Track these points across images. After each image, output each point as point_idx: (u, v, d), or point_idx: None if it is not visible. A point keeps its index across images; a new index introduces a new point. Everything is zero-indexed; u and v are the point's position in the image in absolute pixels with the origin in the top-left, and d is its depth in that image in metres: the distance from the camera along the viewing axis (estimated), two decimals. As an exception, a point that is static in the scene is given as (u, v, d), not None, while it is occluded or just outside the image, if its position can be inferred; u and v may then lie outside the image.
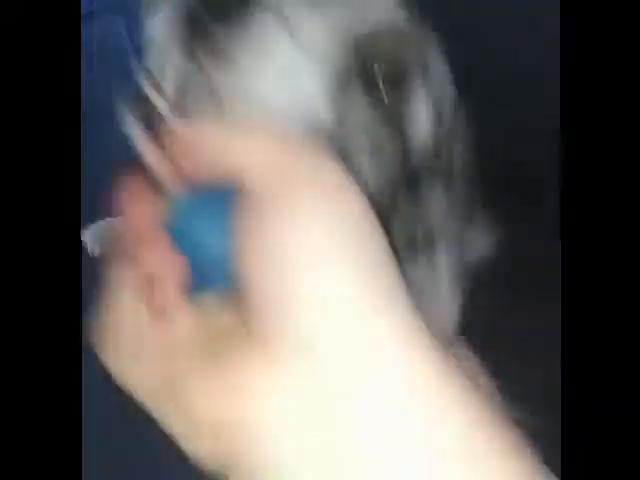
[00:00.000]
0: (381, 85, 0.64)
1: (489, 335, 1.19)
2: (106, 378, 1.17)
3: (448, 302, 0.99)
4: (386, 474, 0.34)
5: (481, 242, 0.95)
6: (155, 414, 0.42)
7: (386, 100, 0.63)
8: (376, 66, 0.65)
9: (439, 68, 0.70)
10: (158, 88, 0.65)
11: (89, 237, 1.49)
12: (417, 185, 0.71)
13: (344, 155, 0.60)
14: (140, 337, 0.46)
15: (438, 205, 0.79)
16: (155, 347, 0.45)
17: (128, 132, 0.65)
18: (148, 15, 0.83)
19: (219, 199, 0.45)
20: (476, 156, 0.93)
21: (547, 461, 0.99)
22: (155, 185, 0.48)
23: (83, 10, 1.94)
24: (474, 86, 0.96)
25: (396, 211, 0.69)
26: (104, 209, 1.41)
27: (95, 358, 1.02)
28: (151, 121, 0.63)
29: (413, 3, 0.78)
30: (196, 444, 0.41)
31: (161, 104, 0.66)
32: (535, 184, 1.42)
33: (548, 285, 0.98)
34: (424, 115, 0.68)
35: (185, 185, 0.48)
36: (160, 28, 0.91)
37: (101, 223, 1.53)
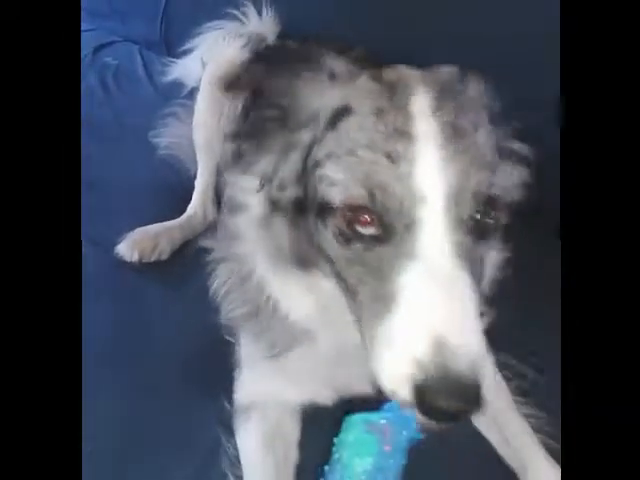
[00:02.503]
0: None
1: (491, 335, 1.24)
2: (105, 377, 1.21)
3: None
4: None
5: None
6: None
7: None
8: None
9: None
10: None
11: (126, 246, 1.56)
12: None
13: None
14: None
15: None
16: None
17: None
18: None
19: None
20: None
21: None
22: None
23: (103, 39, 2.01)
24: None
25: None
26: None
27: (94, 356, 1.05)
28: None
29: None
30: None
31: None
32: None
33: (548, 287, 1.02)
34: None
35: None
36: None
37: (135, 233, 1.61)
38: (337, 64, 0.92)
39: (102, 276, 1.50)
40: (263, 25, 1.94)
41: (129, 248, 1.56)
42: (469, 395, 0.70)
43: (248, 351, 1.17)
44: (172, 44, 2.41)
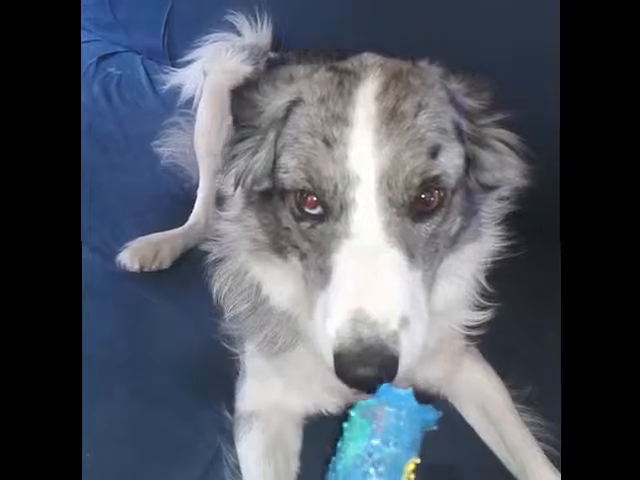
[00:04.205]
0: None
1: (493, 339, 1.24)
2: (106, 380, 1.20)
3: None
4: None
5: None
6: None
7: None
8: None
9: None
10: None
11: (127, 255, 1.56)
12: None
13: None
14: None
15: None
16: None
17: None
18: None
19: None
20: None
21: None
22: None
23: (107, 49, 2.03)
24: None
25: None
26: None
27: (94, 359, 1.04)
28: None
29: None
30: None
31: None
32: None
33: (548, 287, 1.01)
34: None
35: None
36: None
37: (137, 242, 1.61)
38: (295, 68, 0.96)
39: (104, 284, 1.50)
40: (264, 37, 1.96)
41: (130, 257, 1.55)
42: (383, 364, 0.75)
43: (253, 359, 1.17)
44: (175, 54, 2.42)
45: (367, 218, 0.81)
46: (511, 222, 1.06)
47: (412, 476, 0.59)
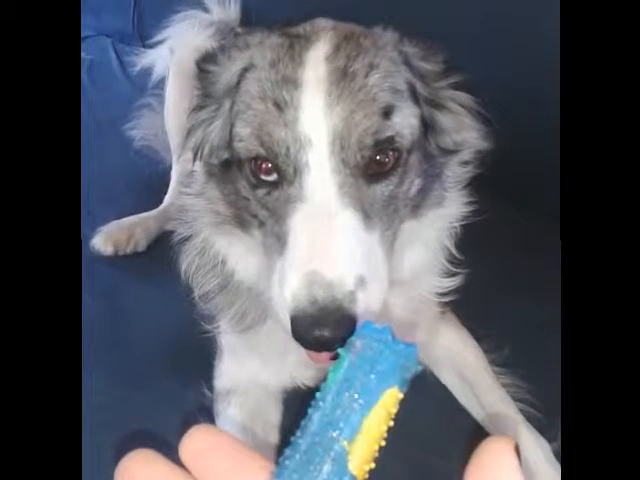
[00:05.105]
0: None
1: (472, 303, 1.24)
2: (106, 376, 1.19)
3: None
4: None
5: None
6: None
7: None
8: None
9: None
10: None
11: (100, 239, 1.55)
12: None
13: None
14: None
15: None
16: None
17: None
18: None
19: None
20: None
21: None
22: None
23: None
24: (477, 85, 1.00)
25: None
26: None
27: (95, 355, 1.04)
28: None
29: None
30: None
31: None
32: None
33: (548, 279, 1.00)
34: None
35: None
36: None
37: (110, 225, 1.60)
38: (251, 36, 0.94)
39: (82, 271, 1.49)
40: (232, 13, 1.93)
41: (103, 241, 1.55)
42: (340, 324, 0.73)
43: (226, 336, 1.17)
44: (145, 35, 2.38)
45: (321, 180, 0.80)
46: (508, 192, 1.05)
47: (393, 410, 0.59)
